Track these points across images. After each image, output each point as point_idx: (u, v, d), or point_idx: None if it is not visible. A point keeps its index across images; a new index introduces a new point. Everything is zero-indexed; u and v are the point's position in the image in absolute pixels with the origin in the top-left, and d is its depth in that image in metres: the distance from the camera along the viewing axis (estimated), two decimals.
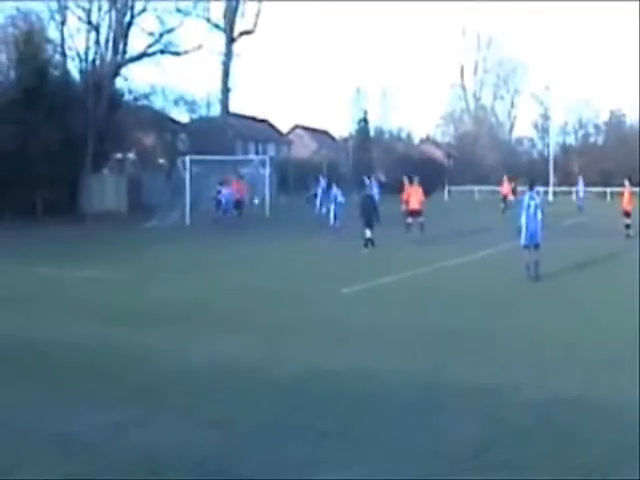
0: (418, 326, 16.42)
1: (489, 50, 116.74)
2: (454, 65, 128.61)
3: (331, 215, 38.84)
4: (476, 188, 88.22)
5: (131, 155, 64.79)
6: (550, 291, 21.63)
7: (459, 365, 13.05)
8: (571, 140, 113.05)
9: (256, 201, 48.51)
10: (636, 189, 44.29)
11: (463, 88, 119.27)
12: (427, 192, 52.79)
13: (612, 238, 36.60)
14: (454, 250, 30.95)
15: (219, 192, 47.40)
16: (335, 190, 39.47)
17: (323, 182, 52.44)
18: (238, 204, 48.69)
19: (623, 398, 11.06)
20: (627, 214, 38.72)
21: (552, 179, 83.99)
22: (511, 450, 9.10)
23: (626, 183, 41.02)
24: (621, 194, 43.38)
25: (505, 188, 60.09)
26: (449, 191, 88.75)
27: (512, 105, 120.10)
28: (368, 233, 31.80)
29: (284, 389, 11.65)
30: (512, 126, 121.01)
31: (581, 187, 63.06)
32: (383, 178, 55.35)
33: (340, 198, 38.86)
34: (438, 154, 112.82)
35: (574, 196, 63.53)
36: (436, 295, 20.86)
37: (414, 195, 36.92)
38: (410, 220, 36.45)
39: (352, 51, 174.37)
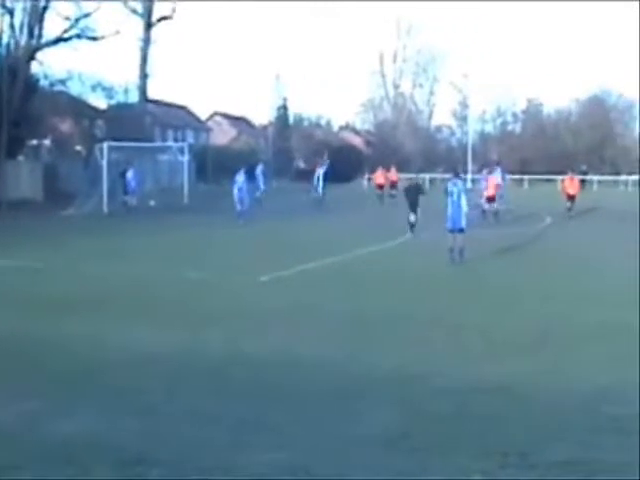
0: (337, 313, 16.44)
1: (409, 38, 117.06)
2: (373, 53, 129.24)
3: (235, 200, 40.06)
4: None
5: (47, 141, 63.77)
6: (472, 276, 21.81)
7: (378, 351, 13.09)
8: (489, 128, 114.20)
9: (152, 203, 47.60)
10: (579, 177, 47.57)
11: (382, 76, 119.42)
12: (347, 179, 53.41)
13: (534, 224, 37.22)
14: (376, 236, 31.00)
15: (124, 175, 46.83)
16: (237, 176, 40.87)
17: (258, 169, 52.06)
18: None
19: (540, 383, 11.20)
20: (570, 197, 42.70)
21: (470, 167, 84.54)
22: (429, 436, 9.11)
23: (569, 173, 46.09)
24: (562, 180, 48.23)
25: (379, 177, 60.58)
26: (369, 178, 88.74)
27: (431, 93, 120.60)
28: (412, 218, 32.73)
29: (203, 376, 11.58)
30: (431, 114, 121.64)
31: (498, 175, 63.15)
32: (302, 165, 55.23)
33: (241, 184, 40.38)
34: (357, 141, 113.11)
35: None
36: (356, 281, 20.90)
37: (492, 182, 41.79)
38: (487, 207, 40.36)
39: (272, 38, 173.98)
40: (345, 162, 64.22)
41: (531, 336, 14.27)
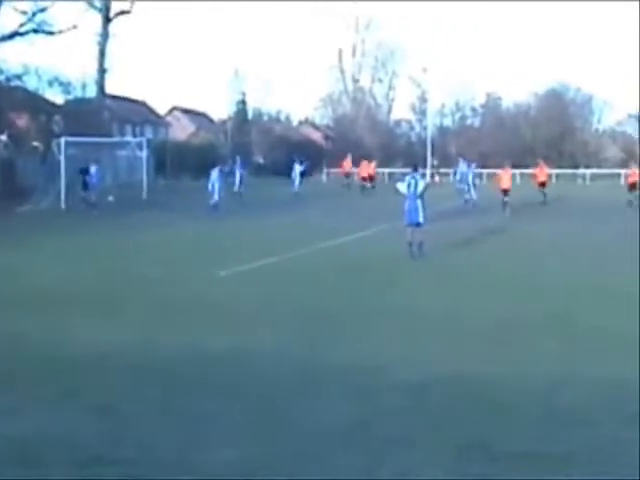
0: (297, 307, 16.37)
1: (368, 32, 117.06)
2: (332, 47, 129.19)
3: (210, 194, 42.47)
4: (355, 170, 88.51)
5: (3, 137, 62.89)
6: (431, 269, 21.81)
7: (338, 345, 13.05)
8: (448, 122, 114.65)
9: (110, 198, 47.01)
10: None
11: (341, 70, 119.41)
12: (306, 174, 54.59)
13: (492, 217, 37.47)
14: (335, 231, 30.93)
15: (86, 172, 46.46)
16: (212, 172, 43.49)
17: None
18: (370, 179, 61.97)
19: (499, 374, 11.24)
20: (541, 184, 48.38)
21: (430, 161, 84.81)
22: (390, 428, 9.07)
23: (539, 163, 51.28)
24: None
25: (363, 169, 64.17)
26: (327, 173, 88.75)
27: (390, 87, 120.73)
28: None
29: (160, 373, 11.44)
30: (390, 108, 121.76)
31: (464, 168, 63.38)
32: (261, 160, 55.68)
33: (215, 179, 42.92)
34: (316, 136, 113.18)
35: (452, 177, 64.09)
36: (316, 275, 20.85)
37: (505, 176, 43.76)
38: (506, 199, 41.84)
39: (230, 32, 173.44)
40: (304, 157, 64.28)
41: (488, 328, 14.28)
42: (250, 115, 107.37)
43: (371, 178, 62.46)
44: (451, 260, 23.63)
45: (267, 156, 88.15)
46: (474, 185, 47.11)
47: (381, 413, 9.61)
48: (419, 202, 24.08)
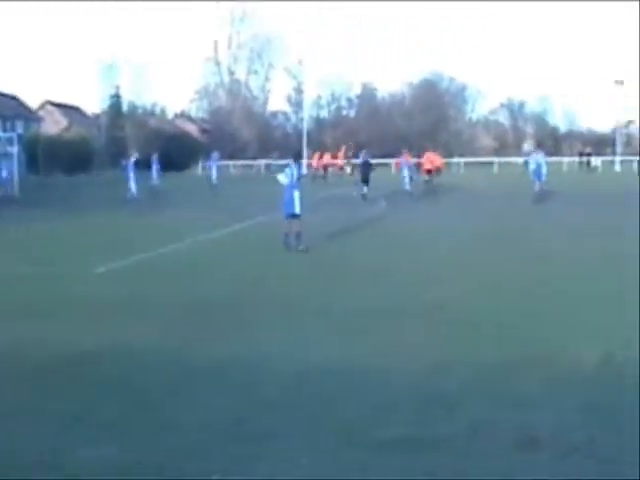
0: (172, 302, 16.11)
1: (243, 24, 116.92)
2: (208, 39, 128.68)
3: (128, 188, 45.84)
4: (231, 163, 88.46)
5: None
6: (308, 260, 21.76)
7: (214, 339, 12.89)
8: (325, 113, 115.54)
9: None
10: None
11: (217, 63, 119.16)
12: (181, 167, 54.76)
13: (367, 207, 37.77)
14: (213, 223, 30.79)
15: None
16: (129, 166, 46.81)
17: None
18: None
19: (376, 363, 11.23)
20: (429, 172, 52.06)
21: (306, 152, 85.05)
22: (267, 420, 9.03)
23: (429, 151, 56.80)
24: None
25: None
26: (203, 166, 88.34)
27: (266, 79, 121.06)
28: (365, 189, 42.98)
29: (31, 373, 11.09)
30: (266, 100, 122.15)
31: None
32: (137, 154, 55.34)
33: (131, 173, 46.07)
34: (192, 129, 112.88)
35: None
36: (193, 269, 20.64)
37: (430, 159, 52.59)
38: (427, 177, 51.11)
39: (104, 24, 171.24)
40: (180, 150, 63.80)
41: (362, 317, 14.25)
42: (125, 109, 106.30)
43: (325, 169, 68.72)
44: (330, 251, 23.60)
45: (142, 150, 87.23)
46: (411, 178, 49.11)
47: (257, 405, 9.50)
48: (296, 193, 23.96)
